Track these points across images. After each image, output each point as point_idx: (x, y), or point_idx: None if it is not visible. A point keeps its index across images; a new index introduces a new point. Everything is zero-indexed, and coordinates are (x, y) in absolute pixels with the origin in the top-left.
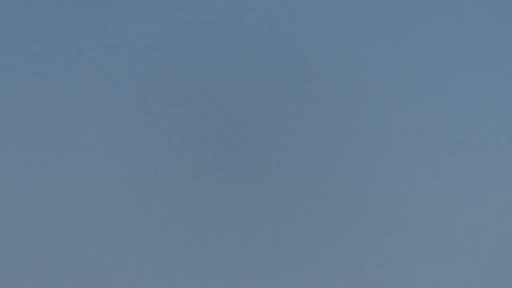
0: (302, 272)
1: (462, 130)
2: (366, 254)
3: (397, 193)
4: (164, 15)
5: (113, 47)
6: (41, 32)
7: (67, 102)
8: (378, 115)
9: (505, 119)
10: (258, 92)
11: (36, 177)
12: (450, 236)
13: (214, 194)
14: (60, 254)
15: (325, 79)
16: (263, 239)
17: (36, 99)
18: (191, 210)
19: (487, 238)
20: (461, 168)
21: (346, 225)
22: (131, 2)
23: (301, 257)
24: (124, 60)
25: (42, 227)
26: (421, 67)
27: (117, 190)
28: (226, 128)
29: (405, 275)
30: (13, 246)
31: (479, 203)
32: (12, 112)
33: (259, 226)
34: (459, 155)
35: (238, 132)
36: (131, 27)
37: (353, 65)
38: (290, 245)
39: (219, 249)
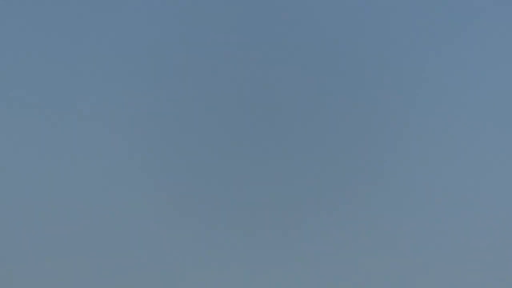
0: (307, 271)
1: (463, 130)
2: (370, 254)
3: (402, 192)
4: (166, 15)
5: (119, 46)
6: (42, 32)
7: (69, 101)
8: (382, 115)
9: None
10: (262, 90)
11: (40, 177)
12: (452, 237)
13: (218, 192)
14: (63, 253)
15: (327, 78)
16: (268, 235)
17: (38, 100)
18: (195, 208)
19: (488, 239)
20: (463, 168)
21: (349, 224)
22: (134, 2)
23: (305, 256)
24: (128, 58)
25: (45, 226)
26: (423, 67)
27: (122, 189)
28: (229, 128)
29: (408, 275)
30: (18, 245)
31: (482, 203)
32: (12, 112)
33: (264, 222)
34: (461, 154)
35: (243, 130)
36: (134, 26)
37: (354, 64)
38: (295, 243)
39: (223, 246)
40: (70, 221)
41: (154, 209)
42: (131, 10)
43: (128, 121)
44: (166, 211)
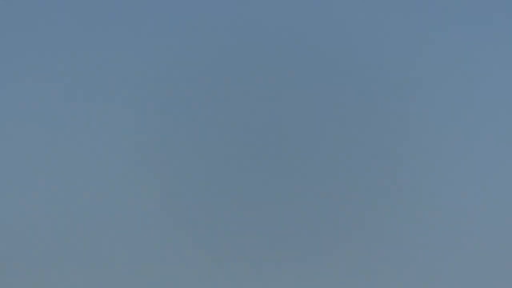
0: (305, 272)
1: (466, 131)
2: (370, 255)
3: (401, 193)
4: (166, 16)
5: (121, 47)
6: (42, 32)
7: (69, 103)
8: (382, 115)
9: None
10: (260, 92)
11: (39, 177)
12: (453, 238)
13: (218, 195)
14: (63, 254)
15: (327, 78)
16: (267, 239)
17: (39, 101)
18: (194, 211)
19: (489, 239)
20: (464, 169)
21: (349, 226)
22: (135, 3)
23: (304, 258)
24: (130, 61)
25: (44, 226)
26: (425, 67)
27: (121, 192)
28: (228, 129)
29: (408, 275)
30: (18, 246)
31: (483, 204)
32: (13, 112)
33: (264, 226)
34: (462, 155)
35: (243, 133)
36: (136, 28)
37: (354, 65)
38: (293, 245)
39: (222, 249)
40: (69, 222)
41: (154, 219)
42: (135, 17)
43: (128, 124)
44: (166, 221)
